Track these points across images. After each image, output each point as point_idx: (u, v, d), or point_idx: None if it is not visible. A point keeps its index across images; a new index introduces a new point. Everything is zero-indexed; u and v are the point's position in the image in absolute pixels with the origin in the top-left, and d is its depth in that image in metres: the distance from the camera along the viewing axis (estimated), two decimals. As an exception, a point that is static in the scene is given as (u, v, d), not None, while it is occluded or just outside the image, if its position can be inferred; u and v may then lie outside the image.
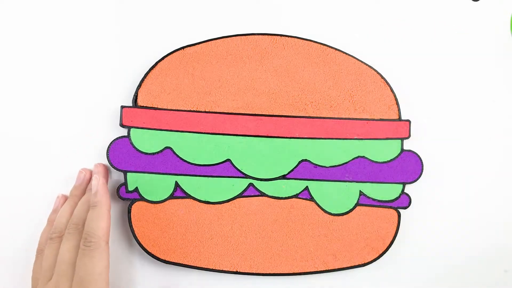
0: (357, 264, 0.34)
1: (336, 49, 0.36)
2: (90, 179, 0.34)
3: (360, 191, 0.34)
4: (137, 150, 0.34)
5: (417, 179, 0.35)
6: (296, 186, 0.34)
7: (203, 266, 0.33)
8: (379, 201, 0.35)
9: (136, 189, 0.33)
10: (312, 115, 0.35)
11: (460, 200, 0.37)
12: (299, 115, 0.35)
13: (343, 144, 0.35)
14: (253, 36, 0.36)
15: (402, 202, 0.35)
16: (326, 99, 0.35)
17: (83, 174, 0.34)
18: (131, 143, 0.34)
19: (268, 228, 0.34)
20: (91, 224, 0.30)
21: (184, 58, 0.35)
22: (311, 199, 0.34)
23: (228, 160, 0.34)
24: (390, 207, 0.35)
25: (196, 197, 0.34)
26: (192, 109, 0.34)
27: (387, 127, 0.35)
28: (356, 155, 0.35)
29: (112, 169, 0.34)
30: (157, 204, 0.33)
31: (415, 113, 0.36)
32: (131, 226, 0.33)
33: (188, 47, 0.35)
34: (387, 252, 0.34)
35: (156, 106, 0.34)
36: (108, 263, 0.29)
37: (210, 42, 0.35)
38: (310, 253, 0.34)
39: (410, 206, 0.35)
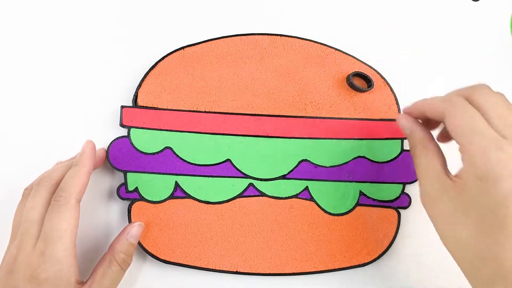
0: (356, 264, 0.34)
1: (336, 49, 0.36)
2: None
3: (360, 191, 0.34)
4: (137, 150, 0.34)
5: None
6: (296, 186, 0.34)
7: (203, 266, 0.33)
8: (379, 201, 0.35)
9: (136, 189, 0.33)
10: (312, 115, 0.35)
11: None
12: (299, 115, 0.35)
13: (343, 144, 0.35)
14: (253, 36, 0.36)
15: (402, 202, 0.35)
16: (326, 99, 0.35)
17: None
18: (131, 143, 0.34)
19: (268, 228, 0.34)
20: (67, 180, 0.29)
21: (184, 58, 0.35)
22: (311, 199, 0.34)
23: (228, 160, 0.34)
24: (390, 207, 0.35)
25: (196, 197, 0.34)
26: (192, 109, 0.34)
27: (387, 127, 0.35)
28: (356, 155, 0.35)
29: (111, 169, 0.34)
30: (157, 204, 0.33)
31: (415, 113, 0.36)
32: (131, 226, 0.33)
33: (188, 47, 0.35)
34: (386, 253, 0.34)
35: (156, 106, 0.34)
36: (76, 222, 0.28)
37: (210, 42, 0.35)
38: (310, 253, 0.34)
39: (410, 206, 0.35)
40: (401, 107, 0.36)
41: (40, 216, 0.28)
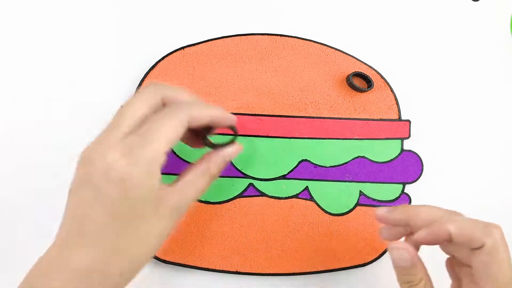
0: (357, 264, 0.34)
1: (336, 49, 0.36)
2: None
3: (360, 191, 0.34)
4: (137, 150, 0.33)
5: (417, 179, 0.35)
6: (296, 186, 0.34)
7: (203, 266, 0.33)
8: (379, 201, 0.35)
9: (136, 189, 0.33)
10: (312, 115, 0.35)
11: (460, 200, 0.37)
12: (299, 115, 0.35)
13: (343, 144, 0.35)
14: (253, 36, 0.36)
15: (402, 202, 0.35)
16: (326, 99, 0.35)
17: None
18: (131, 143, 0.34)
19: (268, 228, 0.34)
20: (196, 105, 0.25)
21: (184, 58, 0.35)
22: (311, 199, 0.34)
23: (228, 160, 0.34)
24: (390, 207, 0.35)
25: (196, 197, 0.34)
26: (192, 109, 0.34)
27: (387, 127, 0.35)
28: (356, 155, 0.35)
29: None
30: (157, 204, 0.33)
31: (415, 113, 0.36)
32: (131, 226, 0.33)
33: (188, 47, 0.35)
34: (386, 253, 0.34)
35: (156, 106, 0.34)
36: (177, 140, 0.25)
37: (210, 42, 0.35)
38: (310, 253, 0.34)
39: (410, 206, 0.35)
40: (401, 107, 0.36)
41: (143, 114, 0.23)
